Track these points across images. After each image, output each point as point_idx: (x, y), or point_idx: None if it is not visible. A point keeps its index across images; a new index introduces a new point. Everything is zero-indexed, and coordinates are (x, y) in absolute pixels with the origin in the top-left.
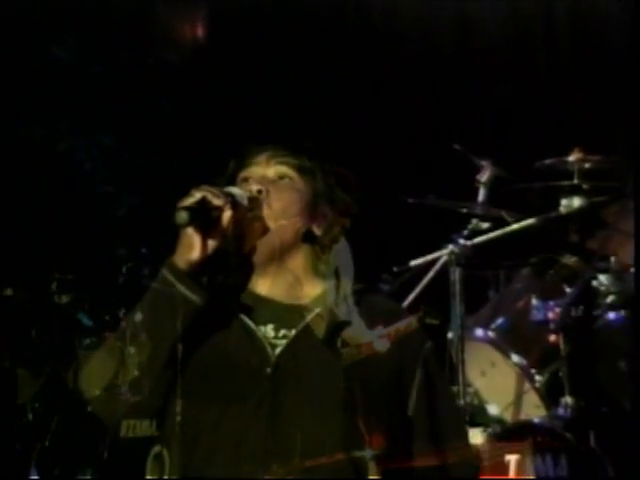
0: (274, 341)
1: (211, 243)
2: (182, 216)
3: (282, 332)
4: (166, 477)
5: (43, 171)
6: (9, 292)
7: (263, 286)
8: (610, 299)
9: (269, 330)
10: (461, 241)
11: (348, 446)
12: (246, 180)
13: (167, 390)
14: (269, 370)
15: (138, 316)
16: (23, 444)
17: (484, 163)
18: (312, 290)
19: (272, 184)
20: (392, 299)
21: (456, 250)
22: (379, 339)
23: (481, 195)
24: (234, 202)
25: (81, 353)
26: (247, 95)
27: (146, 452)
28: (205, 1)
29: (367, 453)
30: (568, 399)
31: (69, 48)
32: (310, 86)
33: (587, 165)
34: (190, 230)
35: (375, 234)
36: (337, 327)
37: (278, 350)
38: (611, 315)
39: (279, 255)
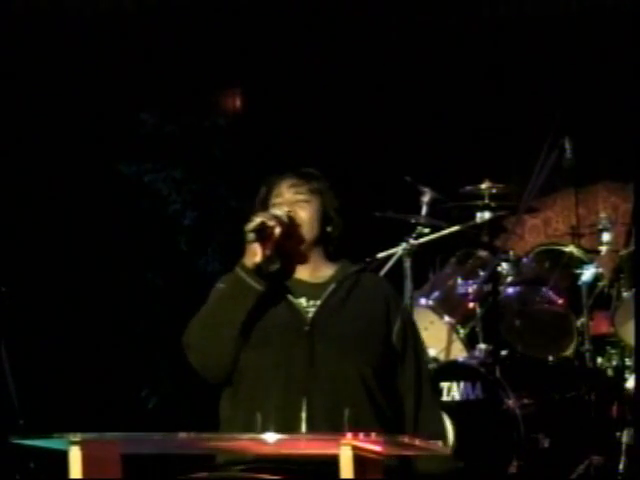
0: (307, 309)
1: (267, 249)
2: (250, 236)
3: (311, 302)
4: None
5: (134, 195)
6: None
7: (297, 273)
8: (509, 279)
9: (303, 301)
10: (411, 241)
11: (364, 376)
12: (280, 204)
13: (237, 348)
14: (307, 328)
15: (217, 298)
16: None
17: (426, 189)
18: (327, 271)
19: (296, 205)
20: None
21: (408, 247)
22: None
23: (424, 210)
24: (280, 221)
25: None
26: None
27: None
28: (239, 88)
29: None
30: (481, 345)
31: (152, 114)
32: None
33: (493, 190)
34: (254, 243)
35: (354, 236)
36: (346, 293)
37: (310, 314)
38: (509, 290)
39: (305, 251)
